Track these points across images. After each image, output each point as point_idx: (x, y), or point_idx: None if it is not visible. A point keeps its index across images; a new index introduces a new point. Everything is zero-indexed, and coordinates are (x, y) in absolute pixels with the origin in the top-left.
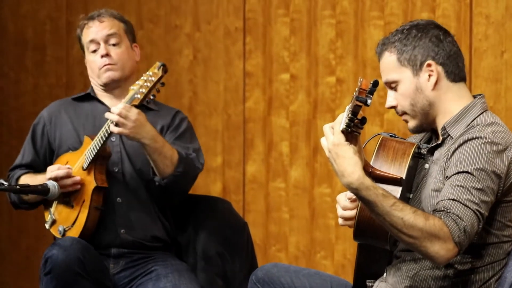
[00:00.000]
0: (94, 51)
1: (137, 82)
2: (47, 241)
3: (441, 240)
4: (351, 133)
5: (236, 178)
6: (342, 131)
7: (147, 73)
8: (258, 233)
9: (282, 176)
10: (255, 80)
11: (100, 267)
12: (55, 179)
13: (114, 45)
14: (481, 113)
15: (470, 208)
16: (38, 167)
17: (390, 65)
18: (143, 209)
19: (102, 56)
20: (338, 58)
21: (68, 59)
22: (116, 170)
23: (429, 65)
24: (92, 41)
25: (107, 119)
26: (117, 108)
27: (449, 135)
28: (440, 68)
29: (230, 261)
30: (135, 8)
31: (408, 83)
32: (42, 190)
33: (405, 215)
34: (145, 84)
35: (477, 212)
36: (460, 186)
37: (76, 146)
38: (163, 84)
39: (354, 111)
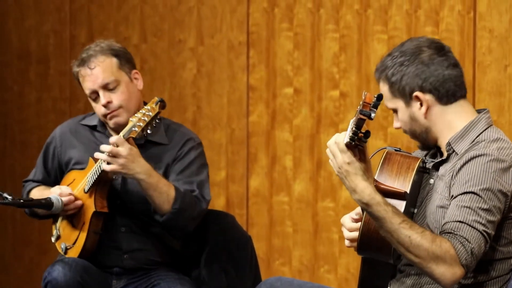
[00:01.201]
0: (95, 98)
1: (135, 115)
2: (50, 254)
3: (447, 263)
4: (356, 147)
5: (239, 192)
6: (346, 145)
7: (146, 107)
8: (261, 247)
9: (286, 190)
10: (258, 94)
11: (101, 286)
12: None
13: (113, 89)
14: (486, 129)
15: (477, 229)
16: (50, 184)
17: (386, 95)
18: (148, 236)
19: (103, 105)
20: (341, 72)
21: (72, 73)
22: (119, 202)
23: (416, 96)
24: (91, 92)
25: None
26: (106, 147)
27: (454, 151)
28: (429, 96)
29: (233, 275)
30: (139, 22)
31: (402, 112)
32: (46, 204)
33: (413, 234)
34: (143, 118)
35: (484, 233)
36: (467, 207)
37: None
38: (160, 118)
39: (358, 125)
